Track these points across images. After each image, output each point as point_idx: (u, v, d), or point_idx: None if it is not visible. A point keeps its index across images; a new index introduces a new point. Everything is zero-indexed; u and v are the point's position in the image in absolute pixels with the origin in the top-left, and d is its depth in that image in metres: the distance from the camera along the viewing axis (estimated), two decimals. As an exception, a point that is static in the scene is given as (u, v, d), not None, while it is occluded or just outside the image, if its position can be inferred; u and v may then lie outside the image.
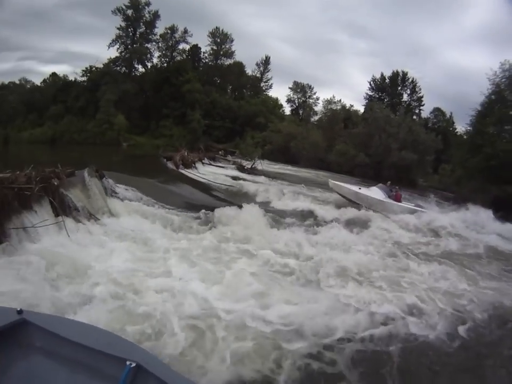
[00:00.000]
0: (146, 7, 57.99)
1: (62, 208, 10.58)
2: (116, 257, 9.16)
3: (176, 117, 53.60)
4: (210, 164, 30.00)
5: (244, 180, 24.55)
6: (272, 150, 44.79)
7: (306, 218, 16.22)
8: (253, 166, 31.09)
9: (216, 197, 18.35)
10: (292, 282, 9.09)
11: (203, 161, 29.45)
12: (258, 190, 20.70)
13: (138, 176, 17.31)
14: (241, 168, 29.99)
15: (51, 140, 49.32)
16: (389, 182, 21.34)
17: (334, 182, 21.68)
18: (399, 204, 19.31)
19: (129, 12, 57.64)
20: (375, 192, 19.82)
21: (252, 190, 20.77)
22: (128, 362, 2.84)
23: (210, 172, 25.94)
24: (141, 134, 50.50)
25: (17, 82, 73.53)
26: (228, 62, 66.69)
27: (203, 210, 13.96)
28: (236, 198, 17.49)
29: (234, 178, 24.84)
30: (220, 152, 36.87)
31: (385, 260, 11.23)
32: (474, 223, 17.56)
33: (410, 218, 17.48)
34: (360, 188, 20.42)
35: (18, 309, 3.30)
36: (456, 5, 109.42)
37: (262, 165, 32.35)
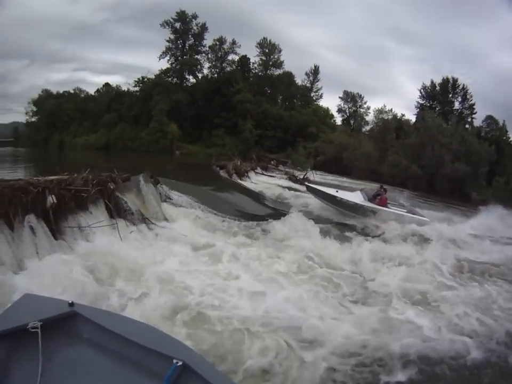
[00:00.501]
0: (193, 20, 58.71)
1: (117, 211, 11.03)
2: (166, 259, 9.32)
3: (228, 127, 53.79)
4: (263, 174, 29.68)
5: (296, 190, 23.90)
6: (324, 160, 43.55)
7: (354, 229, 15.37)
8: (305, 177, 30.42)
9: (269, 206, 18.09)
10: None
11: (255, 170, 29.22)
12: (309, 201, 19.83)
13: (192, 184, 17.29)
14: (293, 179, 29.39)
15: (105, 146, 50.85)
16: (383, 186, 19.33)
17: (310, 184, 20.14)
18: (382, 208, 17.24)
19: (177, 24, 58.69)
20: (353, 195, 18.16)
21: (304, 201, 20.05)
22: (174, 361, 2.88)
23: (262, 181, 25.63)
24: (193, 143, 50.99)
25: (72, 91, 76.83)
26: (277, 72, 66.02)
27: (255, 220, 13.99)
28: (288, 208, 16.80)
29: (287, 188, 24.27)
30: (272, 162, 36.37)
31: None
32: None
33: (395, 225, 15.82)
34: (337, 191, 18.46)
35: (70, 302, 3.58)
36: (507, 6, 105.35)
37: (314, 175, 31.63)
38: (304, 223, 13.53)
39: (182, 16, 58.61)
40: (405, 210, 17.51)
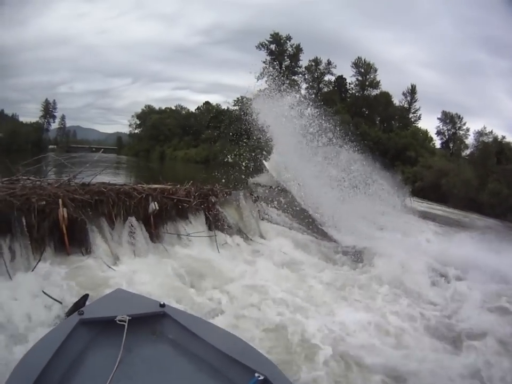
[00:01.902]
0: (288, 41, 59.23)
1: (216, 223, 11.18)
2: (259, 275, 9.12)
3: None
4: None
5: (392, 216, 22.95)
6: (423, 186, 41.22)
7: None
8: (402, 203, 29.18)
9: (367, 232, 17.17)
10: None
11: None
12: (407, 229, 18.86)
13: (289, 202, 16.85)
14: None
15: (205, 160, 51.94)
16: None
17: None
18: None
19: (272, 46, 59.61)
20: None
21: (400, 228, 18.99)
22: (256, 374, 2.84)
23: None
24: None
25: (174, 108, 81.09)
26: (374, 92, 64.79)
27: (353, 244, 13.15)
28: (384, 234, 16.02)
29: (383, 214, 23.38)
30: None
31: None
32: None
33: None
34: None
35: (162, 303, 3.82)
36: None
37: (411, 202, 30.18)
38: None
39: (276, 38, 60.14)
40: None
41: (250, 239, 11.75)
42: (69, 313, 4.99)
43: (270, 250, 11.16)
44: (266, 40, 60.92)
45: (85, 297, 5.92)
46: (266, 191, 17.86)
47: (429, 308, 8.74)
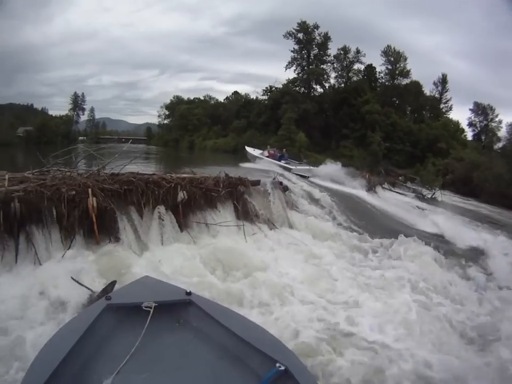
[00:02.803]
0: (315, 30, 58.55)
1: (244, 213, 11.28)
2: (284, 266, 9.02)
3: (356, 138, 52.47)
4: (390, 190, 28.11)
5: (422, 209, 22.38)
6: (454, 180, 39.92)
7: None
8: (432, 196, 28.59)
9: (395, 225, 16.81)
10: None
11: (383, 185, 27.87)
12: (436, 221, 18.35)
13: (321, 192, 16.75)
14: (420, 198, 27.69)
15: (234, 150, 52.30)
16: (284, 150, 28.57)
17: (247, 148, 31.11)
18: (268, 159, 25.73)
19: (300, 35, 59.23)
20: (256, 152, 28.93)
21: (429, 223, 18.53)
22: (277, 364, 2.86)
23: (389, 198, 24.35)
24: (321, 152, 49.92)
25: (202, 98, 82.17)
26: (405, 81, 62.56)
27: (380, 238, 12.69)
28: (410, 229, 15.70)
29: (414, 207, 22.82)
30: (400, 178, 34.47)
31: None
32: None
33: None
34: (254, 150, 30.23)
35: (188, 291, 3.90)
36: None
37: (441, 195, 29.38)
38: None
39: (303, 27, 59.19)
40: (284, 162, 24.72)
41: (279, 229, 11.74)
42: (97, 298, 5.05)
43: (298, 241, 11.06)
44: (294, 29, 60.03)
45: (113, 283, 6.12)
46: (299, 181, 17.50)
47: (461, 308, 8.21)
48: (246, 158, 29.81)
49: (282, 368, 2.84)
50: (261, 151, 28.82)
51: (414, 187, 31.18)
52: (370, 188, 23.37)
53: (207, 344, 3.37)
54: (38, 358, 2.97)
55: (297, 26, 59.65)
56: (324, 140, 55.28)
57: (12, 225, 7.20)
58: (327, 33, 59.65)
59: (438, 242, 13.66)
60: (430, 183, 31.13)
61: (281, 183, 13.92)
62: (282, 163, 24.40)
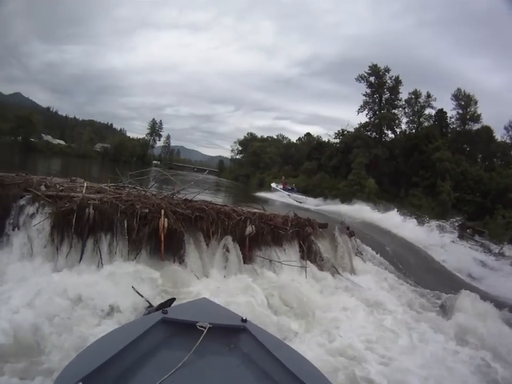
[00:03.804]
0: (386, 73, 57.90)
1: (308, 254, 11.06)
2: (342, 312, 8.72)
3: (426, 187, 50.22)
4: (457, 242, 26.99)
5: (488, 266, 21.08)
6: None
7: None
8: (500, 251, 27.08)
9: (460, 282, 15.89)
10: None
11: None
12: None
13: (383, 241, 16.29)
14: (488, 252, 26.30)
15: (303, 191, 52.11)
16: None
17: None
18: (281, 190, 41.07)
19: (372, 78, 58.61)
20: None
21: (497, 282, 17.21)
22: None
23: (455, 250, 23.34)
24: (390, 199, 48.50)
25: (275, 137, 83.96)
26: (476, 126, 59.55)
27: (444, 295, 11.76)
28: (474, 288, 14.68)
29: (480, 262, 21.58)
30: (468, 231, 33.08)
31: None
32: None
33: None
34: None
35: (244, 318, 3.88)
36: None
37: (510, 251, 27.67)
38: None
39: (375, 70, 58.88)
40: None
41: (341, 275, 11.39)
42: (154, 311, 5.13)
43: (359, 289, 10.71)
44: (365, 72, 59.83)
45: (171, 300, 6.15)
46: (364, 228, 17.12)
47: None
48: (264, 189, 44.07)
49: None
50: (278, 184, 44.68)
51: (482, 240, 29.83)
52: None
53: (254, 372, 3.33)
54: (82, 354, 3.08)
55: (368, 70, 59.53)
56: (393, 187, 53.79)
57: (82, 228, 7.76)
58: (398, 77, 58.97)
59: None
60: (498, 236, 29.75)
61: (348, 227, 13.60)
62: (287, 192, 41.13)
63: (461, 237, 27.70)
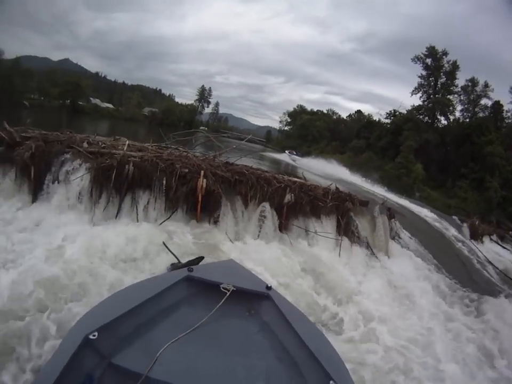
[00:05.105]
0: (444, 57, 55.43)
1: (345, 230, 10.86)
2: (371, 294, 8.52)
3: (474, 180, 48.06)
4: (497, 243, 25.92)
5: None
6: None
7: None
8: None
9: (493, 283, 15.23)
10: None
11: (491, 236, 25.86)
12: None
13: (424, 230, 15.91)
14: None
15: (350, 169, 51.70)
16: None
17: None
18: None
19: (428, 60, 56.21)
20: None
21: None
22: (331, 382, 2.80)
23: (495, 252, 22.44)
24: (435, 188, 47.28)
25: (325, 111, 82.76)
26: None
27: (475, 294, 11.17)
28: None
29: None
30: (510, 232, 31.63)
31: None
32: None
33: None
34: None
35: (269, 285, 3.99)
36: None
37: None
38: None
39: (432, 52, 56.18)
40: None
41: (375, 256, 11.11)
42: (180, 268, 5.14)
43: (392, 272, 10.47)
44: (422, 54, 56.96)
45: (200, 258, 6.28)
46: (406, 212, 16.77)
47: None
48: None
49: None
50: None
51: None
52: (477, 237, 21.89)
53: (270, 341, 3.40)
54: (102, 304, 3.21)
55: (425, 51, 57.10)
56: (441, 175, 51.62)
57: (121, 184, 8.10)
58: (455, 62, 56.17)
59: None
60: (541, 243, 28.49)
61: (389, 209, 13.27)
62: (288, 154, 55.24)
63: (502, 237, 26.78)
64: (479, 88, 57.10)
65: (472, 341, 7.85)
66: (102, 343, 2.75)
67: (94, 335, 2.68)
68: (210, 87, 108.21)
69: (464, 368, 6.70)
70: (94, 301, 3.91)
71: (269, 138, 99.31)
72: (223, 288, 3.60)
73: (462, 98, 57.72)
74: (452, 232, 19.75)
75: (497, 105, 56.56)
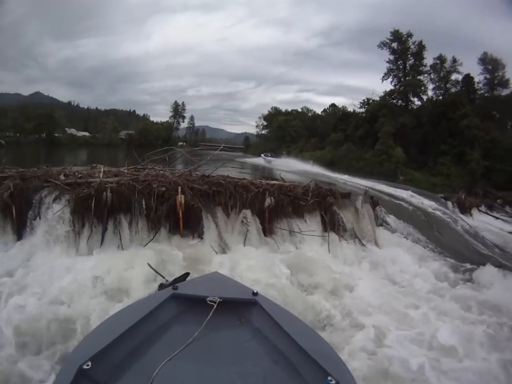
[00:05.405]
0: (409, 39, 56.08)
1: (331, 225, 10.94)
2: (363, 286, 8.41)
3: (454, 155, 48.36)
4: (487, 213, 26.09)
5: None
6: None
7: None
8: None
9: (485, 254, 15.24)
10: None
11: (479, 208, 26.04)
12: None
13: (410, 212, 16.02)
14: None
15: (330, 163, 51.91)
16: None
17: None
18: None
19: (394, 44, 56.87)
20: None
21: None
22: (329, 378, 2.80)
23: (484, 222, 22.55)
24: (418, 169, 47.69)
25: (299, 110, 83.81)
26: (505, 92, 55.84)
27: (469, 265, 11.22)
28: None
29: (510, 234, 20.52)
30: (498, 201, 31.71)
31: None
32: None
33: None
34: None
35: (255, 291, 3.97)
36: None
37: None
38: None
39: (397, 36, 56.77)
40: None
41: (363, 245, 11.19)
42: (167, 287, 5.23)
43: (381, 260, 10.43)
44: (387, 39, 57.68)
45: (186, 274, 6.25)
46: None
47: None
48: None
49: (334, 382, 2.78)
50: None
51: (514, 212, 28.76)
52: (465, 210, 22.08)
53: (264, 346, 3.41)
54: (94, 332, 3.26)
55: (390, 36, 57.75)
56: (421, 156, 51.76)
57: (102, 212, 8.09)
58: (421, 42, 56.71)
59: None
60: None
61: (372, 197, 13.38)
62: (264, 157, 54.39)
63: (490, 207, 26.94)
64: (447, 65, 57.78)
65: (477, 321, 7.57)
66: (97, 371, 2.75)
67: (87, 365, 2.68)
68: (183, 102, 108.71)
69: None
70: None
71: (248, 144, 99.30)
72: (209, 301, 3.60)
73: (432, 77, 58.39)
74: (439, 209, 19.88)
75: (468, 79, 57.15)
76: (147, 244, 8.17)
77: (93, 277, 6.49)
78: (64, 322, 5.30)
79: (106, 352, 2.88)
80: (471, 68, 59.99)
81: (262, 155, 57.75)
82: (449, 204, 21.85)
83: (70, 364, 2.77)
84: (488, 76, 56.25)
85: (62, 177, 8.75)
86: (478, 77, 56.86)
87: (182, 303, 3.77)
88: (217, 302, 3.58)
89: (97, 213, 8.03)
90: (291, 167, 36.67)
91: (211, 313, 3.46)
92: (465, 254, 13.06)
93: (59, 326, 5.21)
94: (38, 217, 7.88)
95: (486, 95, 57.14)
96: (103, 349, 2.86)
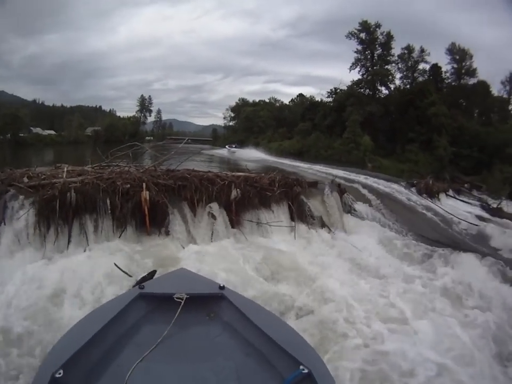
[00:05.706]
0: (377, 29, 56.69)
1: (298, 214, 11.03)
2: (334, 272, 8.56)
3: (422, 142, 49.24)
4: (455, 197, 26.63)
5: (487, 220, 20.52)
6: None
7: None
8: (498, 206, 26.38)
9: (456, 236, 15.68)
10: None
11: (447, 192, 26.59)
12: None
13: (378, 197, 16.25)
14: (485, 207, 25.78)
15: (299, 152, 52.30)
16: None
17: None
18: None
19: (362, 35, 57.40)
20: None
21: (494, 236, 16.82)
22: (301, 367, 2.85)
23: (452, 206, 23.05)
24: (386, 156, 48.46)
25: (267, 100, 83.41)
26: (472, 81, 57.71)
27: (439, 248, 11.36)
28: (476, 242, 14.53)
29: (477, 218, 21.00)
30: (465, 185, 32.57)
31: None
32: None
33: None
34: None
35: (221, 285, 3.97)
36: None
37: (507, 206, 26.79)
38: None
39: (365, 26, 57.25)
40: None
41: (332, 232, 11.26)
42: (134, 286, 5.19)
43: (348, 245, 10.58)
44: (356, 29, 58.07)
45: (153, 273, 6.29)
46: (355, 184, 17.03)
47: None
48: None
49: (306, 371, 2.83)
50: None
51: (480, 195, 29.50)
52: (433, 195, 22.49)
53: (234, 339, 3.43)
54: (63, 338, 3.16)
55: (358, 26, 58.12)
56: (389, 143, 52.66)
57: (67, 213, 7.92)
58: (389, 32, 57.28)
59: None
60: (496, 191, 29.40)
61: (339, 185, 13.53)
62: (228, 148, 59.67)
63: (458, 191, 27.64)
64: (415, 54, 58.68)
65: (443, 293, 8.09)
66: (69, 379, 2.72)
67: (59, 373, 2.65)
68: (150, 96, 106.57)
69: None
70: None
71: (216, 136, 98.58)
72: (176, 298, 3.58)
73: (400, 66, 59.20)
74: (404, 194, 20.28)
75: (435, 68, 58.13)
76: (114, 243, 8.02)
77: (57, 283, 6.35)
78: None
79: (77, 358, 2.86)
80: (439, 58, 60.46)
81: (226, 146, 62.85)
82: (414, 189, 22.28)
83: (42, 373, 2.74)
84: (455, 66, 57.31)
85: (25, 179, 8.61)
86: (446, 66, 57.95)
87: (149, 302, 3.75)
88: (184, 298, 3.57)
89: (62, 214, 7.88)
90: (250, 157, 42.45)
91: (179, 310, 3.46)
92: (430, 237, 13.29)
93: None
94: (2, 223, 7.61)
95: (453, 84, 58.33)
96: (74, 355, 2.84)
